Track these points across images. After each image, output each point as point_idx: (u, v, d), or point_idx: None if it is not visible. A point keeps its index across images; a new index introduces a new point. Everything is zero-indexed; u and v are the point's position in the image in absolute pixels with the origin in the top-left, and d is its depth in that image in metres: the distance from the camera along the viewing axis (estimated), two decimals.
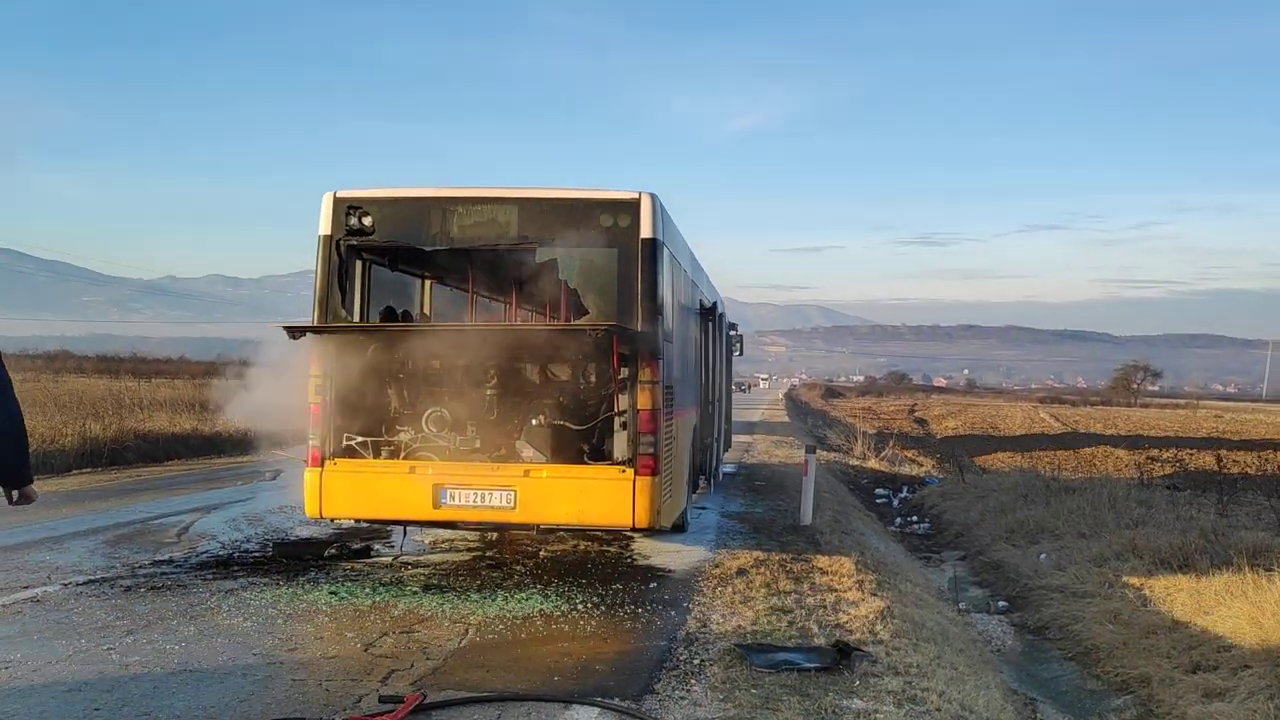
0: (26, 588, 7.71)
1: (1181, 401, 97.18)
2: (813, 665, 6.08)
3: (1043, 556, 13.00)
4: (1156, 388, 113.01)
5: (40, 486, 13.51)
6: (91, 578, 8.14)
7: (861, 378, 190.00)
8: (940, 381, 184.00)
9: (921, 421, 61.95)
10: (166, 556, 9.13)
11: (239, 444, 19.72)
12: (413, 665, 5.93)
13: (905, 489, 22.17)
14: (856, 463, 27.49)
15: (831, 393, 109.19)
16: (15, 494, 4.89)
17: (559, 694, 5.44)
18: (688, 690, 5.61)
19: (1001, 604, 11.72)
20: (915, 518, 18.50)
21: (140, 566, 8.65)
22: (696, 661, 6.13)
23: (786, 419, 46.08)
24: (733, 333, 18.87)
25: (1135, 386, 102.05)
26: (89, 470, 17.26)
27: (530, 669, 5.90)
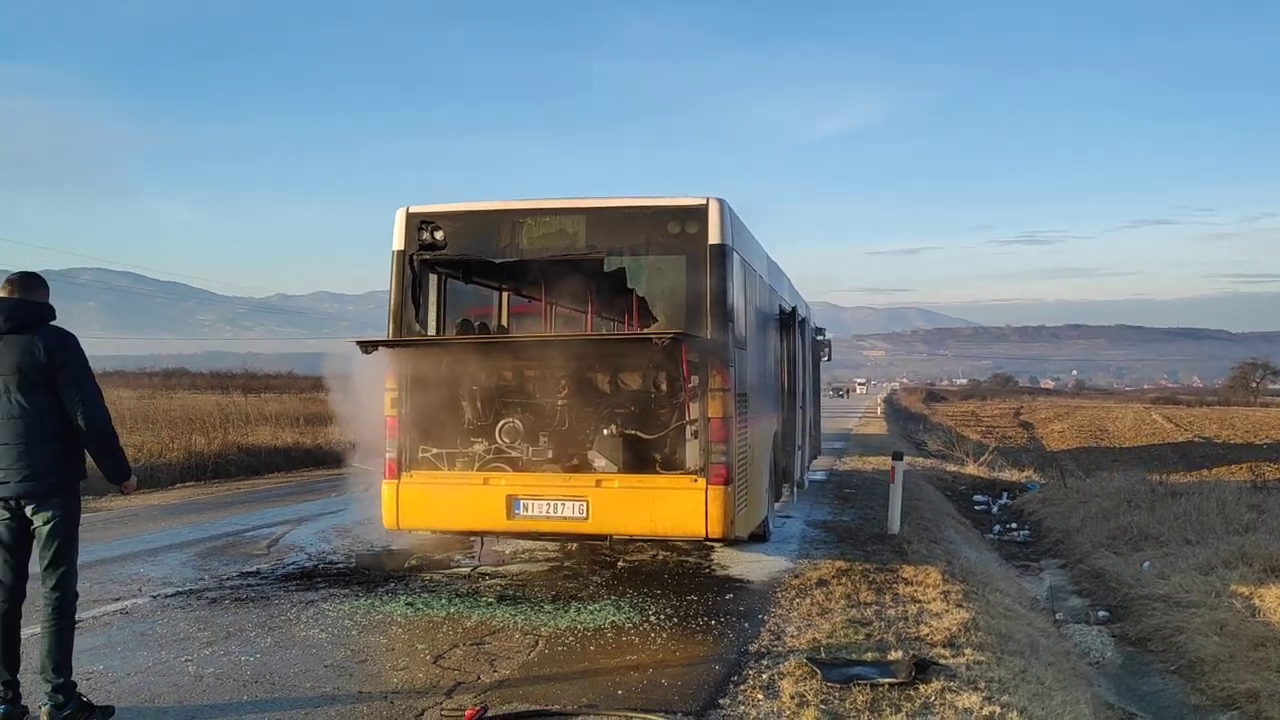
0: (117, 600, 7.95)
1: None
2: (887, 680, 5.89)
3: (1146, 565, 12.46)
4: (1278, 386, 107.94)
5: (144, 500, 14.05)
6: (180, 590, 8.36)
7: (965, 381, 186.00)
8: (1048, 384, 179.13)
9: (1027, 425, 60.36)
10: (254, 568, 9.33)
11: (336, 457, 20.16)
12: (479, 678, 5.92)
13: (1005, 495, 21.54)
14: (955, 469, 26.84)
15: (933, 396, 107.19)
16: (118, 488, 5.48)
17: (621, 707, 5.36)
18: (754, 705, 5.47)
19: (1101, 614, 11.26)
20: (1014, 525, 17.95)
21: (228, 579, 8.85)
22: (766, 676, 5.98)
23: (883, 424, 45.31)
24: (820, 338, 18.61)
25: (1254, 385, 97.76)
26: (192, 484, 17.85)
27: (596, 682, 5.84)
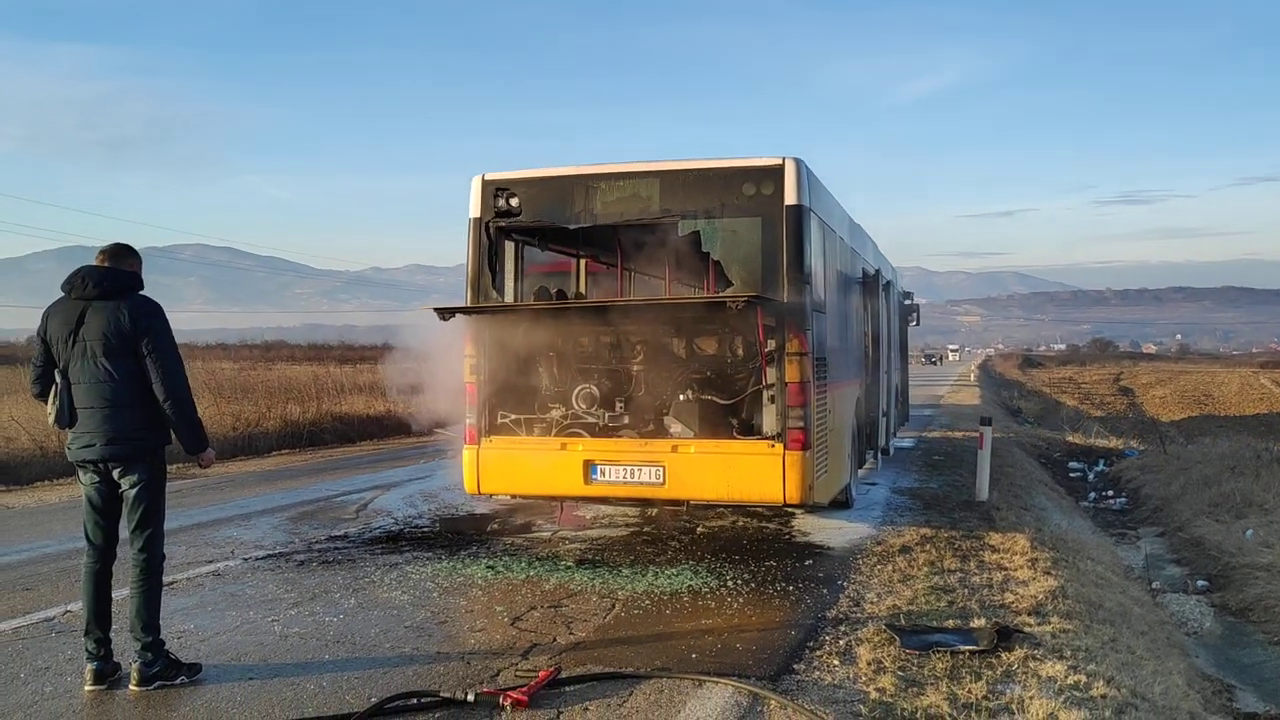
0: (210, 562, 8.20)
1: None
2: (968, 647, 5.76)
3: (1249, 532, 11.99)
4: None
5: (241, 467, 14.46)
6: (270, 552, 8.58)
7: (1063, 346, 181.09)
8: (1150, 348, 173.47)
9: (1127, 391, 58.59)
10: (342, 532, 9.55)
11: (425, 424, 20.50)
12: (555, 640, 5.95)
13: (1102, 462, 20.96)
14: (1050, 434, 26.18)
15: (1029, 362, 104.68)
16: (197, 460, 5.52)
17: (694, 671, 5.34)
18: (830, 671, 5.40)
19: (1201, 583, 10.89)
20: (1110, 492, 17.45)
21: (316, 542, 9.06)
22: (843, 642, 5.90)
23: (977, 391, 44.41)
24: (907, 302, 18.26)
25: None
26: (288, 451, 18.34)
27: (670, 646, 5.82)
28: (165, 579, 5.51)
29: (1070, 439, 25.41)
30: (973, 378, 60.45)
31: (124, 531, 5.26)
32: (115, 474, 5.15)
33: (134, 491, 5.15)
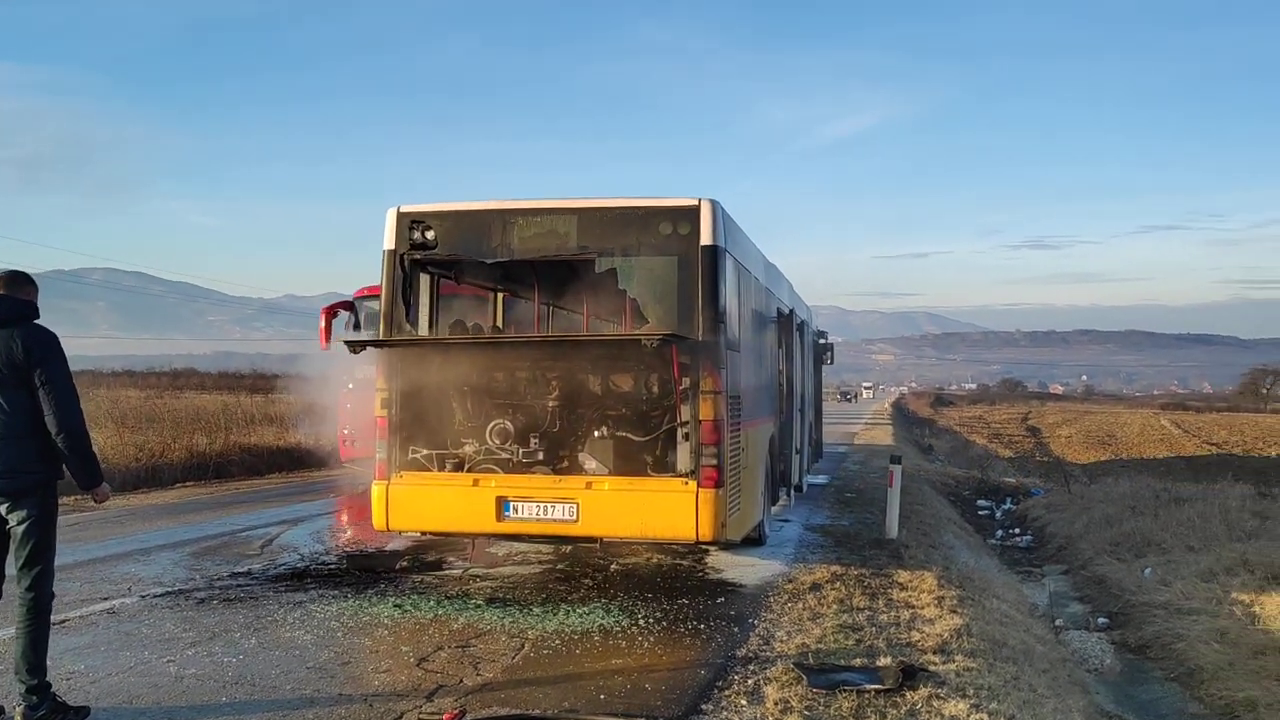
0: (105, 599, 7.92)
1: None
2: (873, 686, 5.81)
3: (1148, 571, 12.36)
4: None
5: (143, 499, 13.98)
6: (169, 589, 8.32)
7: (974, 385, 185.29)
8: (1057, 389, 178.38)
9: (1034, 430, 60.10)
10: (246, 569, 9.29)
11: (334, 457, 20.13)
12: (462, 680, 5.86)
13: (1009, 500, 21.42)
14: (960, 473, 26.70)
15: (941, 401, 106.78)
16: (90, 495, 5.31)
17: (602, 712, 5.29)
18: (737, 711, 5.40)
19: (1101, 621, 11.17)
20: (1017, 530, 17.84)
21: (219, 579, 8.81)
22: (751, 682, 5.91)
23: (890, 428, 45.14)
24: (821, 341, 18.52)
25: (1265, 391, 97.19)
26: (193, 483, 17.83)
27: (579, 686, 5.77)
28: (56, 617, 5.31)
29: (978, 477, 25.91)
30: (887, 415, 61.50)
31: (10, 568, 5.05)
32: (3, 509, 4.95)
33: (23, 527, 4.95)
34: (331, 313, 16.43)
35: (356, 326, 15.45)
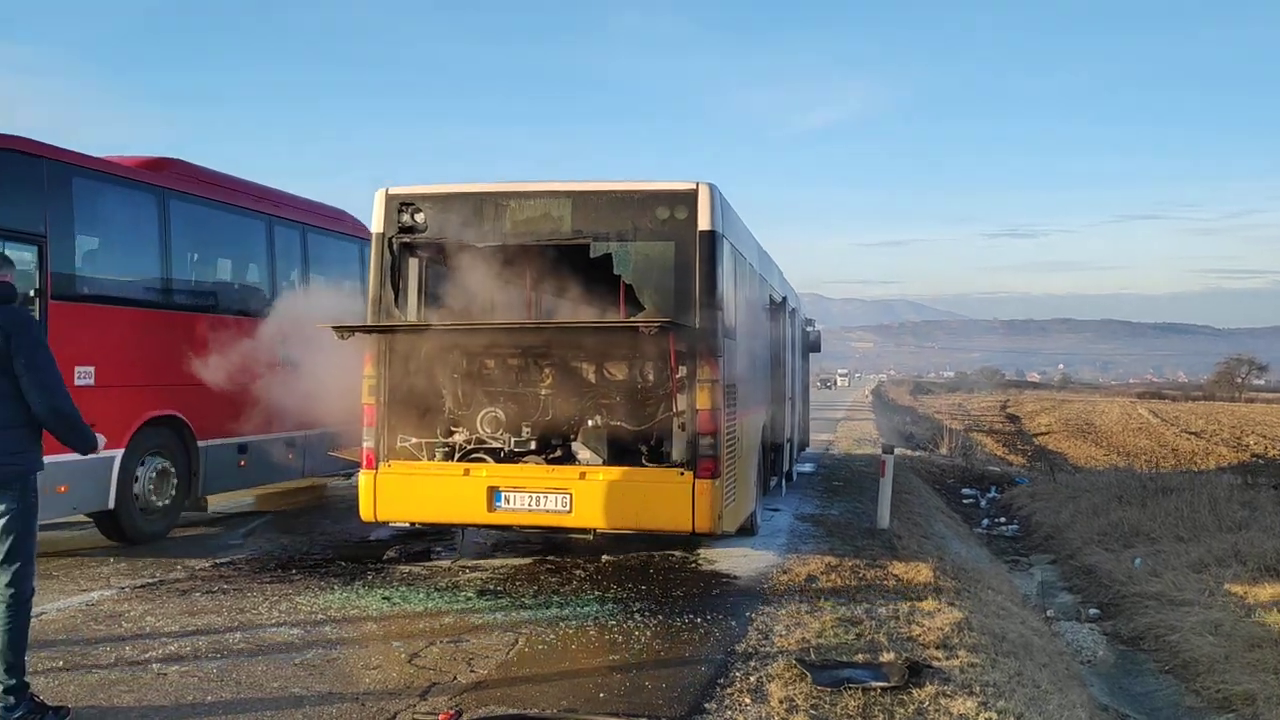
0: (83, 591, 7.69)
1: None
2: (879, 684, 5.67)
3: (1137, 561, 12.31)
4: (1263, 381, 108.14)
5: None
6: (149, 581, 8.09)
7: (952, 374, 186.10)
8: (1034, 377, 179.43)
9: (1014, 418, 60.33)
10: (229, 559, 9.07)
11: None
12: (456, 678, 5.68)
13: (994, 489, 21.40)
14: (944, 461, 26.69)
15: (920, 389, 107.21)
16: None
17: (603, 712, 5.13)
18: (742, 710, 5.25)
19: (1093, 611, 11.11)
20: (1003, 519, 17.82)
21: (200, 569, 8.59)
22: (753, 679, 5.76)
23: (871, 415, 45.19)
24: (810, 329, 18.40)
25: (1239, 380, 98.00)
26: None
27: (577, 684, 5.60)
28: (33, 611, 5.08)
29: (961, 464, 25.89)
30: (867, 404, 61.60)
31: None
32: None
33: (2, 521, 4.73)
34: None
35: None
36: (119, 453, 9.14)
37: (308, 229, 12.40)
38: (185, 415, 9.97)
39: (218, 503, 11.37)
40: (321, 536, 10.35)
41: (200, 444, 10.27)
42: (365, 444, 8.19)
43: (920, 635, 6.79)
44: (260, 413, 10.61)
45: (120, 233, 9.75)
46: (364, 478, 8.16)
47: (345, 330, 7.82)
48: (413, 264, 8.47)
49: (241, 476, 11.16)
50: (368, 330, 7.99)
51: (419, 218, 8.10)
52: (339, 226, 13.23)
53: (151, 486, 9.66)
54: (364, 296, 11.69)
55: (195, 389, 9.90)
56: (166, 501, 9.93)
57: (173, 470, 9.97)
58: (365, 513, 8.16)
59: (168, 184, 10.07)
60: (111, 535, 9.58)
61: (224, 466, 10.69)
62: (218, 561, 8.96)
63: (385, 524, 8.87)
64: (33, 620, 5.06)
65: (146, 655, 6.01)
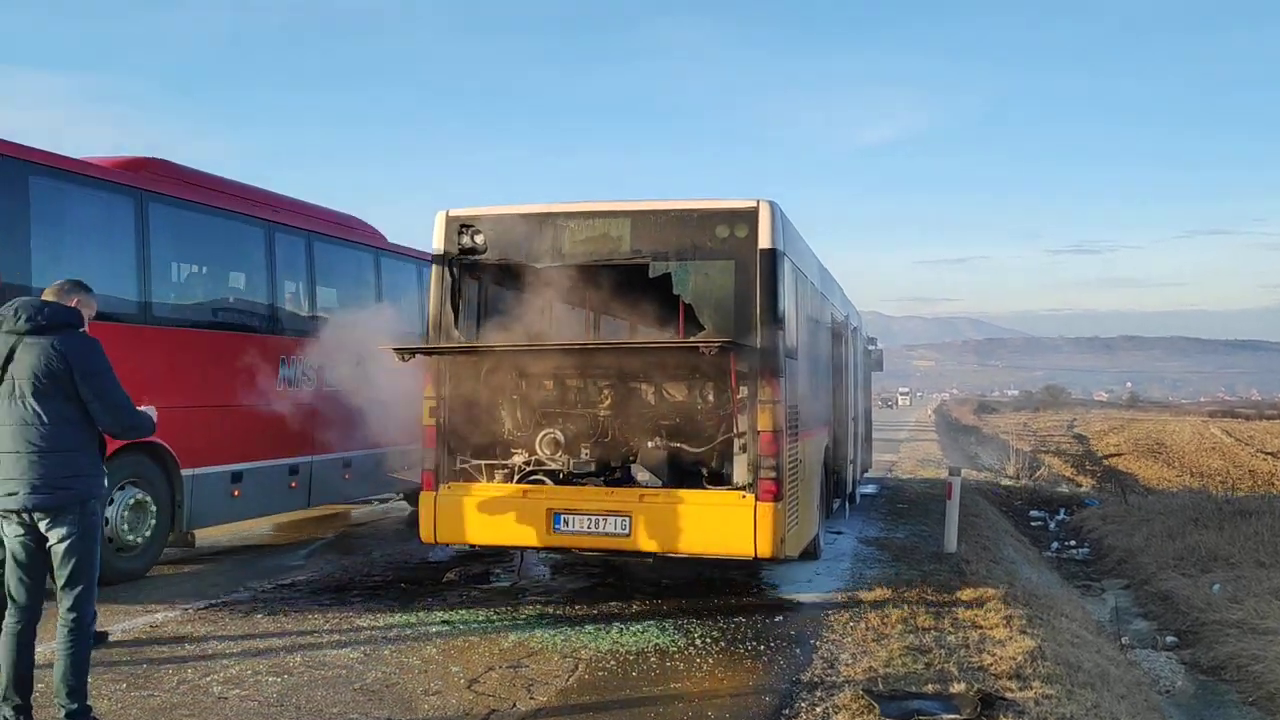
0: (149, 613, 7.73)
1: None
2: (950, 716, 5.48)
3: (1216, 587, 11.88)
4: None
5: None
6: (212, 602, 8.13)
7: (1017, 392, 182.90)
8: (1101, 395, 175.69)
9: (1081, 438, 59.01)
10: (290, 580, 9.10)
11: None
12: (515, 705, 5.60)
13: (1062, 511, 20.89)
14: (1010, 482, 26.14)
15: (984, 408, 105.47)
16: None
17: None
18: None
19: (1170, 639, 10.73)
20: (1073, 542, 17.36)
21: (263, 590, 8.62)
22: (820, 710, 5.59)
23: (935, 435, 44.54)
24: (871, 348, 18.16)
25: None
26: None
27: (639, 713, 5.49)
28: (97, 632, 5.10)
29: (1029, 486, 25.34)
30: (930, 423, 60.73)
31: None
32: (42, 526, 4.74)
33: (63, 546, 4.75)
34: None
35: None
36: None
37: (314, 237, 11.47)
38: (167, 441, 8.90)
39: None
40: (382, 558, 10.36)
41: (185, 473, 9.28)
42: (425, 465, 8.17)
43: (992, 665, 6.57)
44: (258, 438, 9.97)
45: (87, 238, 8.75)
46: (424, 499, 8.14)
47: (406, 352, 7.83)
48: (472, 285, 8.45)
49: (235, 508, 10.11)
50: (428, 352, 7.98)
51: (479, 239, 8.09)
52: (350, 235, 12.42)
53: (125, 521, 8.75)
54: (376, 309, 11.81)
55: (180, 412, 8.80)
56: (144, 537, 8.97)
57: (151, 502, 9.01)
58: (425, 534, 8.14)
59: (146, 185, 9.15)
60: None
61: (214, 497, 9.70)
62: (279, 583, 8.99)
63: (445, 545, 8.84)
64: (96, 642, 5.07)
65: (208, 678, 6.00)
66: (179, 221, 9.61)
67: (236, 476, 9.96)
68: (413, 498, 13.47)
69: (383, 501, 14.30)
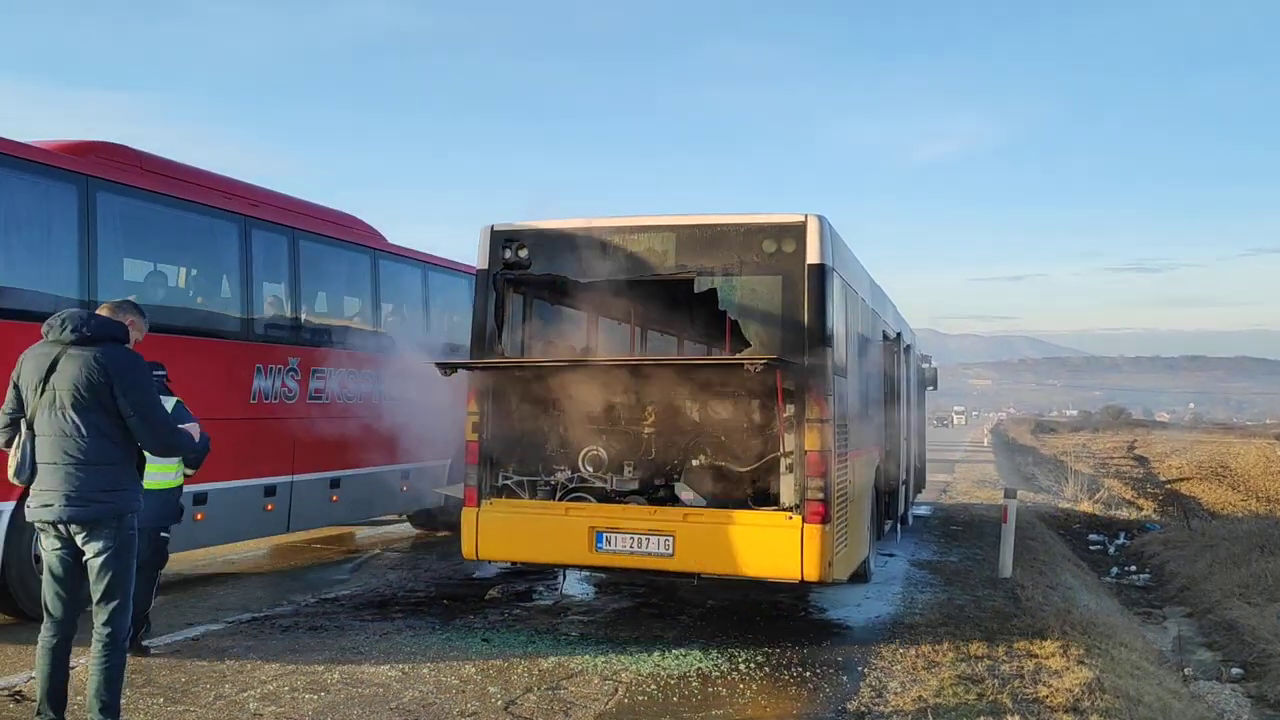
0: (190, 625, 7.73)
1: None
2: None
3: None
4: None
5: None
6: (255, 615, 8.12)
7: (1075, 412, 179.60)
8: (1163, 416, 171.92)
9: (1142, 460, 57.67)
10: (333, 595, 9.08)
11: None
12: None
13: (1123, 535, 20.33)
14: (1068, 505, 25.55)
15: (1042, 428, 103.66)
16: None
17: None
18: None
19: (1235, 671, 10.31)
20: (1133, 567, 16.84)
21: (305, 605, 8.60)
22: None
23: (990, 456, 43.79)
24: (925, 365, 17.84)
25: None
26: None
27: None
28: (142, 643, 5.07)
29: (1088, 509, 24.74)
30: (986, 442, 59.74)
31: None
32: (78, 539, 4.72)
33: (99, 560, 4.71)
34: None
35: None
36: (7, 505, 7.23)
37: (299, 234, 10.50)
38: None
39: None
40: (426, 573, 10.31)
41: None
42: (468, 481, 8.09)
43: (1048, 697, 6.32)
44: (225, 455, 8.46)
45: (21, 228, 7.75)
46: (466, 515, 8.05)
47: (449, 367, 7.77)
48: (516, 299, 8.38)
49: (197, 531, 8.96)
50: (470, 367, 7.91)
51: (523, 253, 8.02)
52: (344, 234, 11.48)
53: None
54: (374, 314, 11.73)
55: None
56: None
57: None
58: (467, 551, 8.04)
59: (94, 172, 8.19)
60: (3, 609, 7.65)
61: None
62: (323, 596, 8.97)
63: (487, 562, 8.75)
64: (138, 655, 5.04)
65: (245, 694, 5.96)
66: (133, 213, 8.66)
67: (200, 498, 8.88)
68: (417, 519, 13.39)
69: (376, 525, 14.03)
